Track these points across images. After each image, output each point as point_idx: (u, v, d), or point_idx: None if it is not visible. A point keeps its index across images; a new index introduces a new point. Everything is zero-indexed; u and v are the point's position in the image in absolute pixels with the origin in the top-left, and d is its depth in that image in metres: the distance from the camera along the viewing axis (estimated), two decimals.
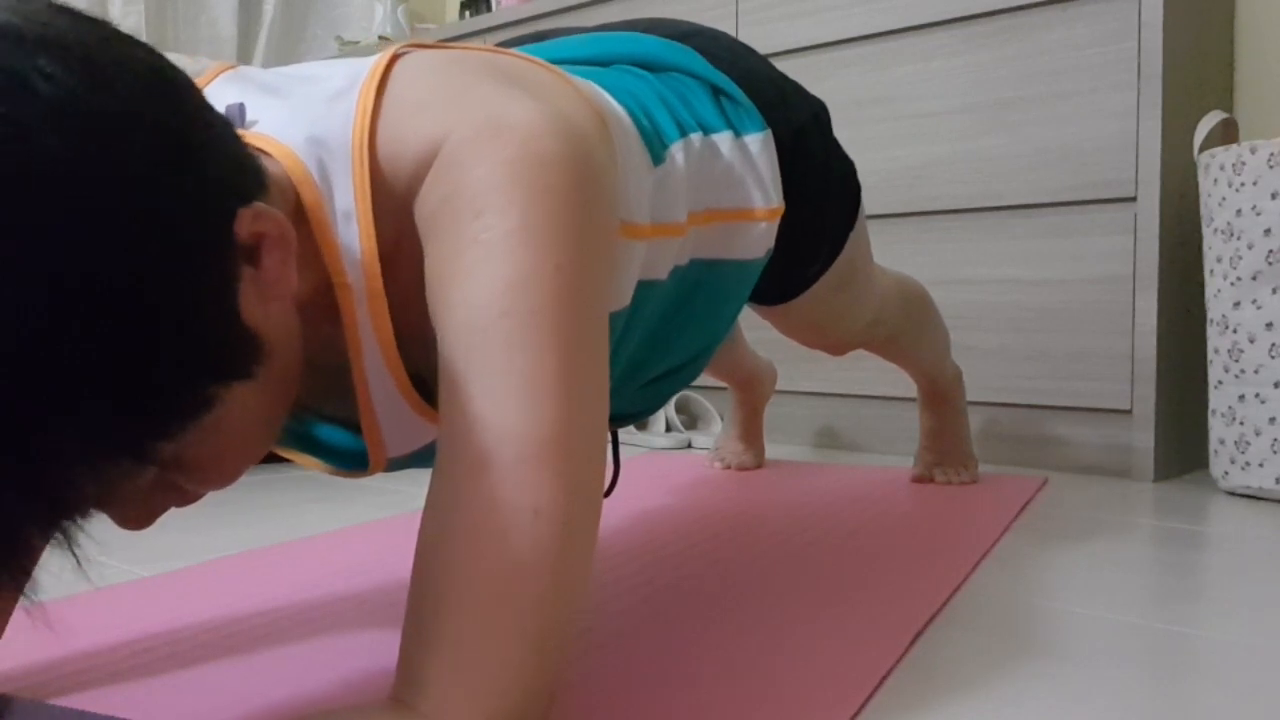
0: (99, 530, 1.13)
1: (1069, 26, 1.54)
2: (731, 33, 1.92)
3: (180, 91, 0.42)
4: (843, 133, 1.78)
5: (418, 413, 0.57)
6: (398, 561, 0.98)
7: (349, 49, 2.65)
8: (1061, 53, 1.55)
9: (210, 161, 0.42)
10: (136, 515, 0.48)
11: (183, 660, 0.70)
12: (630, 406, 0.85)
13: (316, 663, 0.69)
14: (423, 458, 0.65)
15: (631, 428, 1.92)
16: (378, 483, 1.47)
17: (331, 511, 1.25)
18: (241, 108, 0.56)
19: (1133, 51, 1.48)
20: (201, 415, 0.43)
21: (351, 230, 0.53)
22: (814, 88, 1.82)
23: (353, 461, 0.67)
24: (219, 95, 0.59)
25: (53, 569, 0.96)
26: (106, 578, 0.93)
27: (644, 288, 0.69)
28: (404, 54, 0.58)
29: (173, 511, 1.24)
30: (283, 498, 1.34)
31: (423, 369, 0.59)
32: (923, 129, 1.69)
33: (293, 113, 0.55)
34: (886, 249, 1.75)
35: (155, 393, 0.40)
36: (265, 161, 0.52)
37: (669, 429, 1.93)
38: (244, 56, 2.70)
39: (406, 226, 0.54)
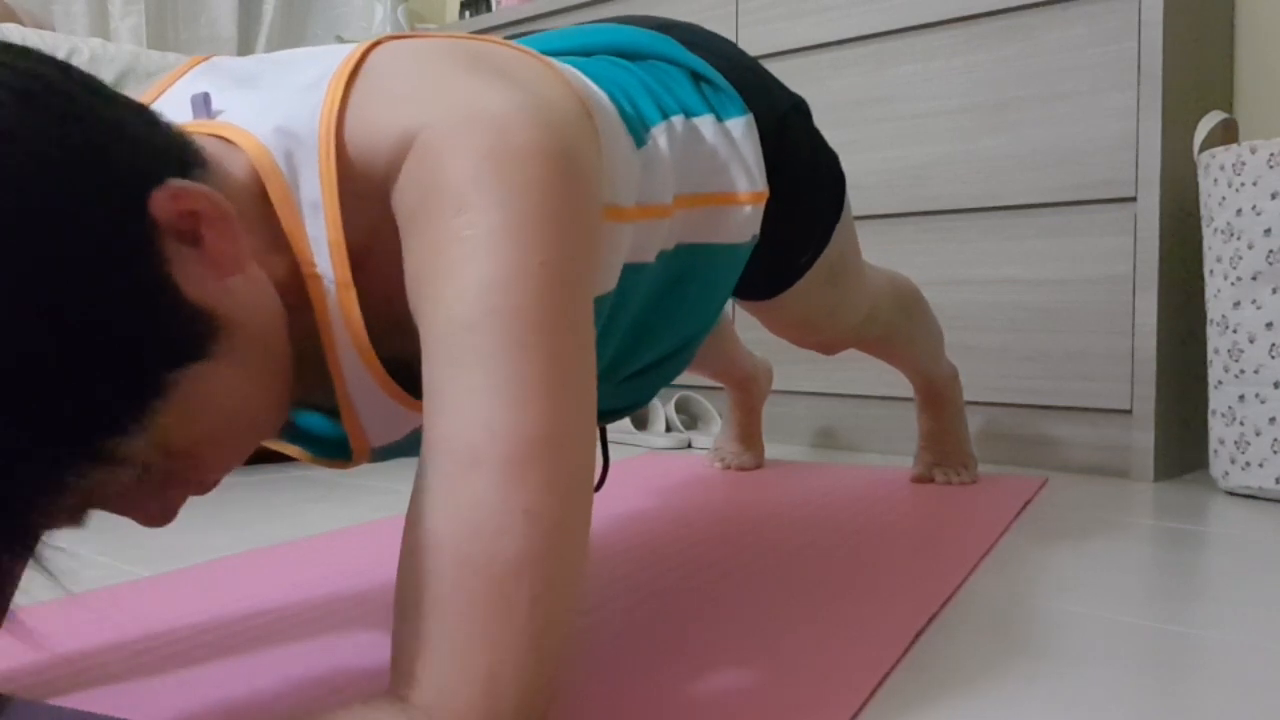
0: (98, 531, 1.13)
1: (1069, 26, 1.54)
2: (731, 33, 1.92)
3: (62, 96, 0.42)
4: (843, 132, 1.78)
5: (397, 400, 0.57)
6: (397, 561, 0.98)
7: None
8: (1061, 53, 1.55)
9: (111, 152, 0.42)
10: (152, 512, 0.48)
11: (183, 660, 0.70)
12: (619, 401, 0.84)
13: (316, 663, 0.69)
14: (409, 447, 0.65)
15: (631, 428, 1.92)
16: (378, 482, 1.47)
17: (331, 511, 1.25)
18: (206, 97, 0.56)
19: (1133, 51, 1.48)
20: (155, 403, 0.43)
21: (319, 221, 0.52)
22: (814, 87, 1.82)
23: (336, 450, 0.67)
24: (191, 87, 0.59)
25: (55, 568, 0.96)
26: (106, 578, 0.93)
27: (631, 271, 0.69)
28: (381, 44, 0.57)
29: None
30: (283, 498, 1.34)
31: (406, 357, 0.58)
32: (923, 129, 1.69)
33: (262, 103, 0.55)
34: (886, 249, 1.75)
35: (96, 389, 0.40)
36: (229, 151, 0.52)
37: (669, 429, 1.92)
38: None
39: (383, 217, 0.53)
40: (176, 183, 0.44)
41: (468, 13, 2.70)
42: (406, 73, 0.54)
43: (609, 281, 0.65)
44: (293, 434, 0.68)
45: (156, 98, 0.60)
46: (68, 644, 0.73)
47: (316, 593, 0.87)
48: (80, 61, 1.69)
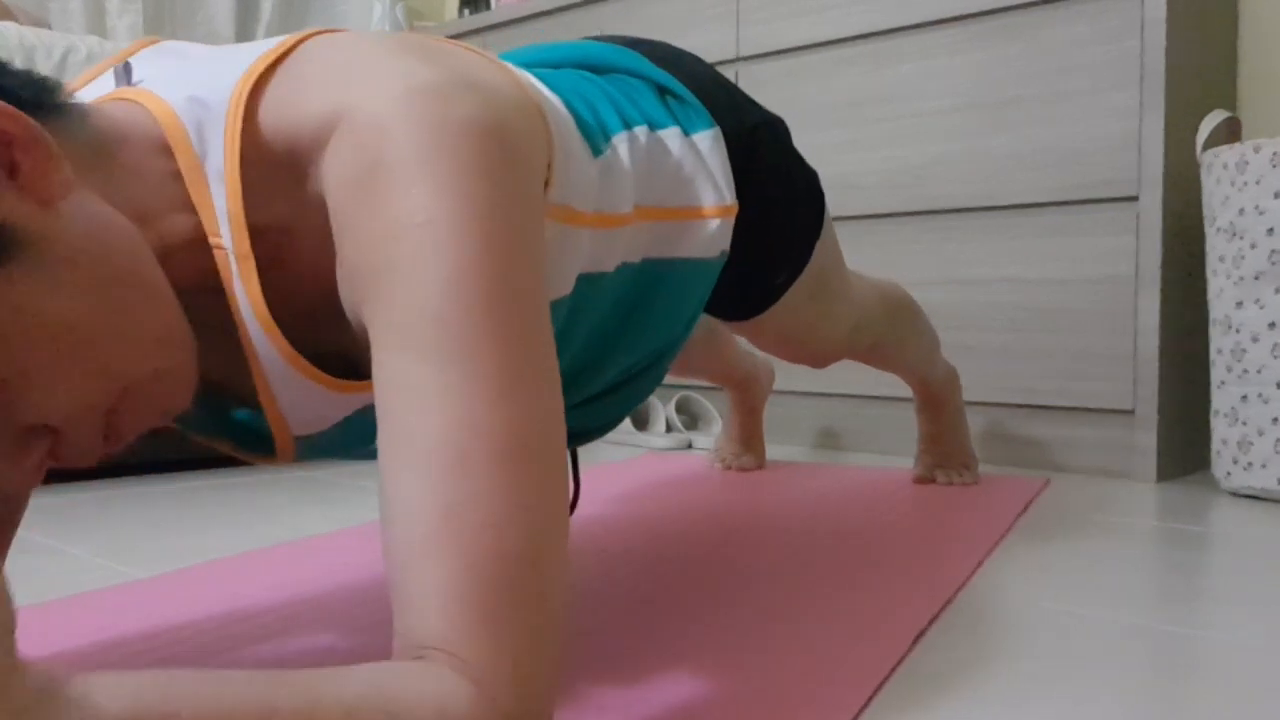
0: (97, 532, 1.13)
1: (1071, 25, 1.54)
2: (731, 32, 1.92)
3: None
4: (843, 132, 1.78)
5: (311, 379, 0.55)
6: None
7: None
8: (1063, 51, 1.55)
9: None
10: (11, 478, 0.47)
11: (181, 661, 0.69)
12: (588, 421, 0.83)
13: (316, 663, 0.68)
14: (343, 443, 0.63)
15: (631, 428, 1.92)
16: (376, 483, 1.47)
17: (331, 511, 1.25)
18: (127, 67, 0.56)
19: (1135, 50, 1.48)
20: None
21: (223, 191, 0.52)
22: (814, 87, 1.82)
23: (262, 443, 0.66)
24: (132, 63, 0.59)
25: (53, 569, 0.96)
26: (105, 579, 0.93)
27: (588, 280, 0.68)
28: (316, 34, 0.57)
29: (171, 511, 1.24)
30: (283, 498, 1.34)
31: (344, 344, 0.57)
32: (923, 128, 1.69)
33: (183, 75, 0.54)
34: (887, 249, 1.74)
35: None
36: (139, 114, 0.52)
37: (669, 429, 1.92)
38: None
39: (307, 195, 0.52)
40: None
41: (466, 10, 2.70)
42: (336, 55, 0.53)
43: (563, 286, 0.64)
44: (224, 428, 0.67)
45: (97, 75, 0.60)
46: (68, 644, 0.73)
47: (315, 593, 0.87)
48: (78, 60, 1.68)
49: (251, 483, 1.46)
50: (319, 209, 0.52)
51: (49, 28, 2.01)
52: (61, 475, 1.43)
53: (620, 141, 0.72)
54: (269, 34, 2.71)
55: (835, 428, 1.85)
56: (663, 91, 0.81)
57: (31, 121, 0.45)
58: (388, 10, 2.83)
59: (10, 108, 0.45)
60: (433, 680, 0.42)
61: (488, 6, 2.63)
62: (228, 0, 2.61)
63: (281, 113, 0.51)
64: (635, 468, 1.61)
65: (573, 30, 2.21)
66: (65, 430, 0.48)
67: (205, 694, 0.37)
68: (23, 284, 0.44)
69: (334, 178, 0.49)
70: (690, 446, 1.88)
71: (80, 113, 0.51)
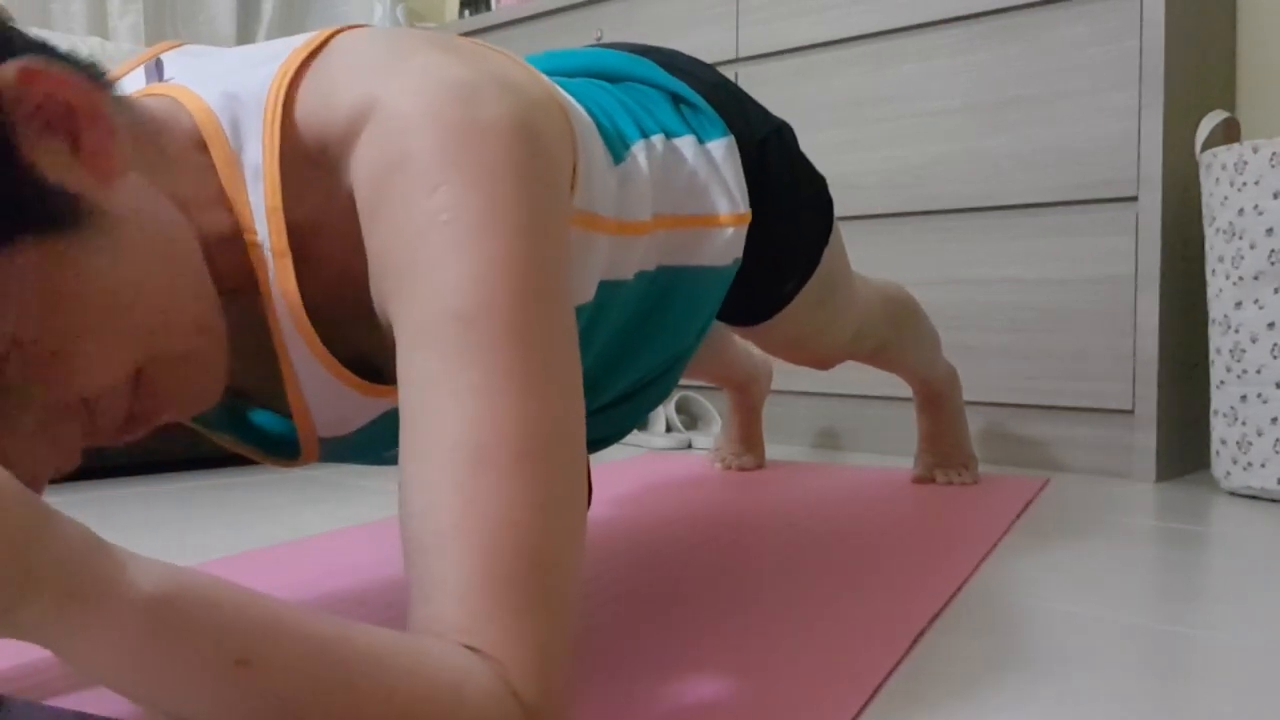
0: (99, 533, 1.13)
1: (1070, 25, 1.54)
2: (731, 33, 1.92)
3: None
4: (843, 132, 1.78)
5: (343, 381, 0.55)
6: (398, 561, 0.98)
7: None
8: (1063, 52, 1.55)
9: None
10: (44, 456, 0.47)
11: None
12: (601, 430, 0.83)
13: None
14: (364, 447, 0.63)
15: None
16: (378, 483, 1.47)
17: (331, 511, 1.25)
18: (158, 63, 0.55)
19: (1134, 50, 1.48)
20: None
21: (260, 188, 0.51)
22: (814, 87, 1.82)
23: (285, 447, 0.66)
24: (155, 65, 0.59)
25: None
26: None
27: (608, 288, 0.68)
28: (348, 29, 0.57)
29: (170, 511, 1.24)
30: (283, 498, 1.34)
31: (368, 346, 0.57)
32: (924, 128, 1.69)
33: (216, 71, 0.54)
34: (887, 249, 1.74)
35: None
36: (175, 110, 0.52)
37: (669, 429, 1.92)
38: None
39: (337, 190, 0.52)
40: (29, 58, 0.43)
41: (467, 11, 2.70)
42: (367, 50, 0.53)
43: (586, 293, 0.64)
44: (246, 432, 0.67)
45: (125, 73, 0.60)
46: None
47: (316, 593, 0.87)
48: None
49: (251, 483, 1.46)
50: (348, 204, 0.52)
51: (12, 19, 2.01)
52: (61, 475, 1.43)
53: (639, 150, 0.71)
54: (270, 35, 2.71)
55: (835, 428, 1.85)
56: (677, 100, 0.81)
57: (95, 96, 0.45)
58: (388, 11, 2.83)
59: (79, 79, 0.44)
60: (454, 657, 0.42)
61: (488, 7, 2.63)
62: (229, 1, 2.61)
63: (314, 107, 0.51)
64: (635, 468, 1.61)
65: (573, 31, 2.21)
66: (97, 405, 0.48)
67: (246, 595, 0.38)
68: (83, 251, 0.45)
69: (363, 171, 0.49)
70: (690, 446, 1.88)
71: (125, 100, 0.51)
